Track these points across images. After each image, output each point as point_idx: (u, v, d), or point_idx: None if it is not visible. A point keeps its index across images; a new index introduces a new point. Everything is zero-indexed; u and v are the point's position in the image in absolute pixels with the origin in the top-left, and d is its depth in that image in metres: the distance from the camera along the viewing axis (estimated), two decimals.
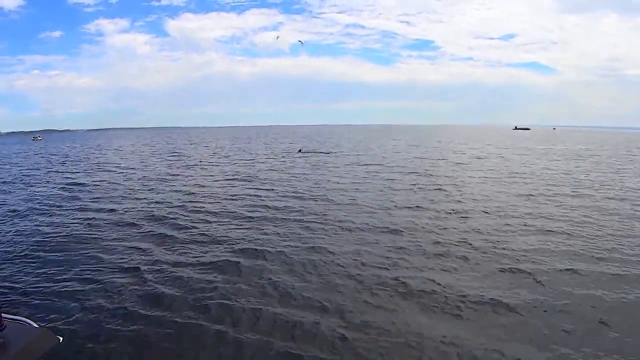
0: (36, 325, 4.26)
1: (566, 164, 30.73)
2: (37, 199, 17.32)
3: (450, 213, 13.64)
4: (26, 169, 31.06)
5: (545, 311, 6.80)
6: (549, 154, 40.38)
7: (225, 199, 16.65)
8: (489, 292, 7.47)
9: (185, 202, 16.06)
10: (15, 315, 4.38)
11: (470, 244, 10.16)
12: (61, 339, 4.16)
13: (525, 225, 12.05)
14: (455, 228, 11.76)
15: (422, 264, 8.99)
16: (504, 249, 9.86)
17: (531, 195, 16.92)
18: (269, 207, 14.58)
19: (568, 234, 11.09)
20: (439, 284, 7.86)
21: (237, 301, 7.20)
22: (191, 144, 65.18)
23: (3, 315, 3.96)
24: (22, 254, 9.87)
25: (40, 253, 9.89)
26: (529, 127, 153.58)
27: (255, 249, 9.86)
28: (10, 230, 12.17)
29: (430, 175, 23.46)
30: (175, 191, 18.76)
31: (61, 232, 11.69)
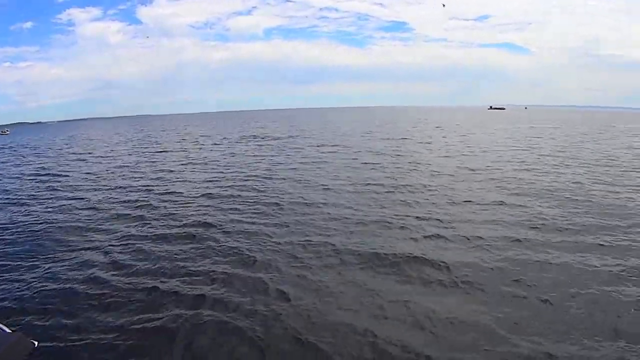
0: (9, 330, 3.95)
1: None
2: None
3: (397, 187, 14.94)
4: None
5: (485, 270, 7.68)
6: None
7: (188, 182, 17.65)
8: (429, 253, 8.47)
9: (151, 186, 17.02)
10: None
11: (414, 216, 11.14)
12: (36, 343, 3.92)
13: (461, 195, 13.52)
14: (403, 201, 12.95)
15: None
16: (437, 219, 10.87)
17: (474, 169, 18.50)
18: (223, 187, 15.83)
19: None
20: (382, 246, 8.88)
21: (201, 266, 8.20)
22: (163, 131, 65.01)
23: None
24: None
25: (7, 247, 9.80)
26: (504, 107, 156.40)
27: (209, 223, 11.01)
28: None
29: (398, 155, 24.68)
30: (140, 177, 19.52)
31: (23, 225, 11.61)
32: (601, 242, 8.91)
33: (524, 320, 6.05)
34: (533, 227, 10.00)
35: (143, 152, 32.25)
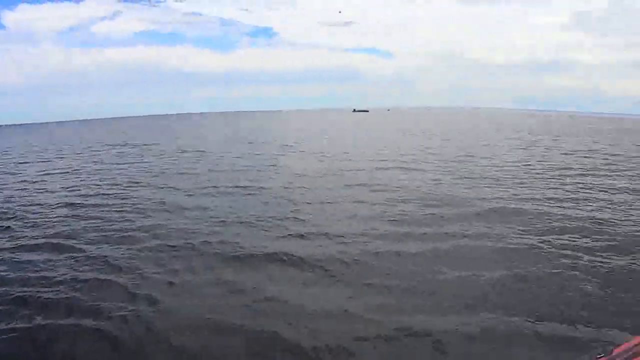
0: None
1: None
2: None
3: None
4: None
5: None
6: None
7: (50, 192, 17.46)
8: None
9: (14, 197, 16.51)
10: None
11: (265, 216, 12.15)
12: None
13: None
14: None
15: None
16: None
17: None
18: (86, 196, 16.17)
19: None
20: (246, 246, 9.53)
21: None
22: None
23: None
24: None
25: None
26: (367, 109, 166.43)
27: (73, 231, 11.43)
28: None
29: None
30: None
31: None
32: (446, 231, 10.37)
33: (387, 304, 6.78)
34: (389, 221, 11.19)
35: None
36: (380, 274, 7.97)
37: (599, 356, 3.67)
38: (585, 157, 25.59)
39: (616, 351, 3.71)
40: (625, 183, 16.98)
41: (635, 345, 3.72)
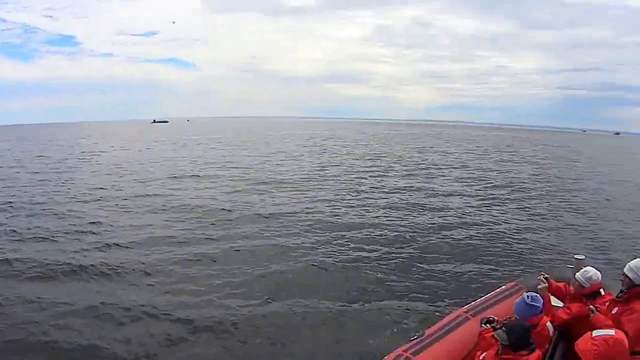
0: None
1: None
2: None
3: None
4: None
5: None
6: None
7: None
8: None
9: None
10: None
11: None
12: None
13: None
14: None
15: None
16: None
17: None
18: None
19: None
20: (48, 258, 9.27)
21: None
22: None
23: None
24: None
25: None
26: (167, 120, 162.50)
27: None
28: None
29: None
30: None
31: None
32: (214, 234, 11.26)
33: (188, 297, 7.49)
34: (179, 231, 11.68)
35: None
36: (171, 276, 8.55)
37: (412, 338, 4.09)
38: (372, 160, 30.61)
39: (428, 332, 4.19)
40: (404, 183, 20.37)
41: (445, 324, 4.32)
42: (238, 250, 10.04)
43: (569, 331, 3.90)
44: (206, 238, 10.99)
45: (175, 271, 8.74)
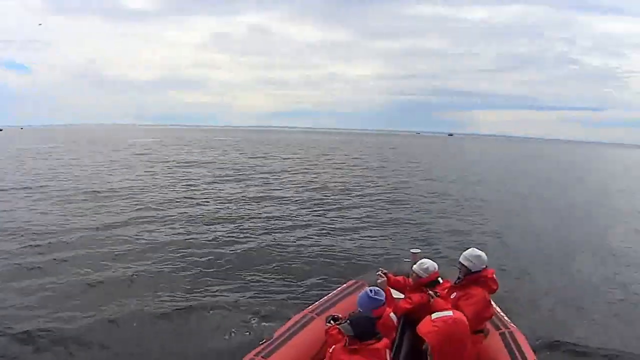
0: None
1: None
2: None
3: None
4: None
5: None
6: None
7: None
8: None
9: None
10: None
11: None
12: None
13: None
14: None
15: None
16: None
17: None
18: None
19: None
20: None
21: None
22: None
23: None
24: None
25: None
26: (1, 128, 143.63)
27: None
28: None
29: None
30: None
31: None
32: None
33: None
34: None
35: None
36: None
37: (261, 342, 4.06)
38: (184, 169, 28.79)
39: (277, 334, 4.03)
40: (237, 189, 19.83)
41: (292, 325, 4.23)
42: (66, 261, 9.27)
43: (413, 320, 4.07)
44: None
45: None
